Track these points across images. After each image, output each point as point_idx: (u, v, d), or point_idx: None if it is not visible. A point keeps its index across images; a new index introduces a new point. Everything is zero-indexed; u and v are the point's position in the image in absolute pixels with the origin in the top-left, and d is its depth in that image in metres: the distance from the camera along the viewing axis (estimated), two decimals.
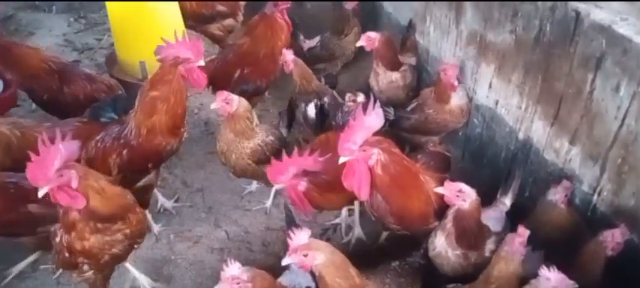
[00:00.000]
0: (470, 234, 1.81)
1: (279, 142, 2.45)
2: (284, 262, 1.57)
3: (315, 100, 2.59)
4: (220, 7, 3.46)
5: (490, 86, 2.45)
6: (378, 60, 2.78)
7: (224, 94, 2.24)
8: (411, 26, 2.99)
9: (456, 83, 2.46)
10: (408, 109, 2.63)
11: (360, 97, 2.39)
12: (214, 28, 3.52)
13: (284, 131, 2.60)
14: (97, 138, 2.30)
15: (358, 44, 2.77)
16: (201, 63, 2.22)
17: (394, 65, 2.79)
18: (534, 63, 2.12)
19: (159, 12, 3.12)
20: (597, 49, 1.80)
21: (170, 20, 3.23)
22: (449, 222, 1.83)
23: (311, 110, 2.59)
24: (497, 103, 2.43)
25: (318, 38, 3.48)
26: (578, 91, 1.92)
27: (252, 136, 2.34)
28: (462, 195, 1.77)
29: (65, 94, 2.68)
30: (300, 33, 3.46)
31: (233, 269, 1.51)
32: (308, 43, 3.48)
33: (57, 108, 2.71)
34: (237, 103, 2.25)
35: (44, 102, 2.73)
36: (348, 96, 2.45)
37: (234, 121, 2.28)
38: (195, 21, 3.43)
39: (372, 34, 2.73)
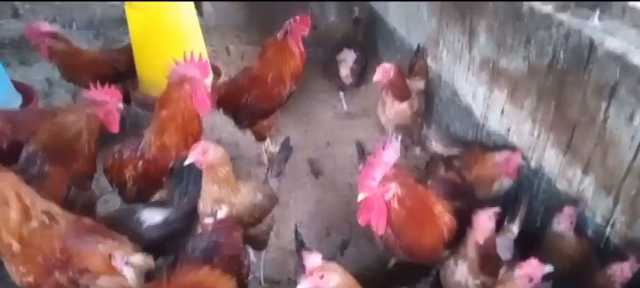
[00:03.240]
0: (494, 259, 1.81)
1: (269, 201, 2.27)
2: (300, 286, 1.55)
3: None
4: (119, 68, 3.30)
5: (502, 112, 2.43)
6: (388, 90, 2.78)
7: (199, 146, 2.02)
8: (419, 50, 3.00)
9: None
10: (446, 154, 2.47)
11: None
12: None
13: (273, 182, 2.37)
14: (115, 149, 2.35)
15: (374, 79, 2.74)
16: (208, 81, 2.23)
17: (403, 96, 2.78)
18: (547, 90, 2.10)
19: (180, 28, 3.23)
20: (611, 77, 1.77)
21: (190, 34, 3.32)
22: (471, 251, 1.81)
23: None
24: (509, 130, 2.40)
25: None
26: (591, 119, 1.89)
27: (237, 189, 2.15)
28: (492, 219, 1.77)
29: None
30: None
31: None
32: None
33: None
34: (213, 150, 2.05)
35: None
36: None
37: (214, 171, 2.08)
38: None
39: (388, 66, 2.72)
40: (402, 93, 2.79)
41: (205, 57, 3.51)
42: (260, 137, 3.06)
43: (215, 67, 3.68)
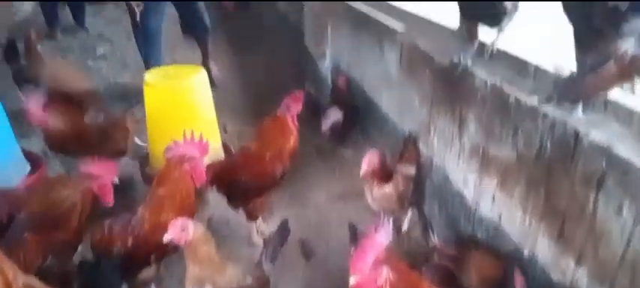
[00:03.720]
0: None
1: (258, 285, 2.20)
2: None
3: None
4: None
5: (493, 199, 2.45)
6: (372, 177, 2.81)
7: (178, 222, 2.01)
8: (409, 138, 3.07)
9: None
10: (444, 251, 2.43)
11: None
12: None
13: (268, 267, 2.31)
14: (105, 223, 2.33)
15: (361, 172, 2.78)
16: (205, 160, 2.27)
17: (386, 179, 2.82)
18: (536, 179, 2.14)
19: (195, 106, 3.36)
20: (598, 168, 1.82)
21: (205, 113, 3.45)
22: None
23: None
24: (500, 217, 2.41)
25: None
26: (581, 209, 1.92)
27: (221, 270, 2.08)
28: None
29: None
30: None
31: None
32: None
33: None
34: (192, 227, 2.03)
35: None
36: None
37: (194, 250, 2.04)
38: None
39: (373, 156, 2.78)
40: (385, 177, 2.83)
41: (218, 134, 3.60)
42: (252, 217, 3.04)
43: (226, 145, 3.74)
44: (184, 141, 2.33)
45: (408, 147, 3.08)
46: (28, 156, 3.48)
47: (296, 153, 2.93)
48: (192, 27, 5.20)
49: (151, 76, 3.42)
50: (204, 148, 2.35)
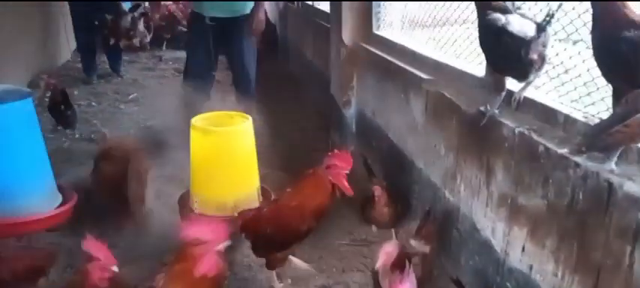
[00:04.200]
0: None
1: None
2: None
3: None
4: None
5: (523, 250, 2.38)
6: (391, 268, 2.57)
7: None
8: (428, 214, 2.97)
9: None
10: None
11: None
12: None
13: None
14: None
15: (377, 266, 2.47)
16: (221, 248, 2.15)
17: (404, 267, 2.64)
18: (569, 230, 2.08)
19: (239, 152, 3.46)
20: (633, 221, 1.76)
21: (247, 159, 3.53)
22: None
23: None
24: (531, 268, 2.34)
25: None
26: (616, 263, 1.84)
27: None
28: None
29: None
30: None
31: None
32: None
33: None
34: None
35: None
36: None
37: None
38: None
39: (390, 248, 2.51)
40: (403, 265, 2.61)
41: (257, 180, 3.62)
42: (271, 267, 3.01)
43: (265, 189, 3.75)
44: (201, 223, 2.22)
45: (426, 223, 2.99)
46: (60, 189, 3.68)
47: (325, 211, 2.84)
48: (240, 87, 5.20)
49: (198, 121, 3.52)
50: (220, 235, 2.15)
